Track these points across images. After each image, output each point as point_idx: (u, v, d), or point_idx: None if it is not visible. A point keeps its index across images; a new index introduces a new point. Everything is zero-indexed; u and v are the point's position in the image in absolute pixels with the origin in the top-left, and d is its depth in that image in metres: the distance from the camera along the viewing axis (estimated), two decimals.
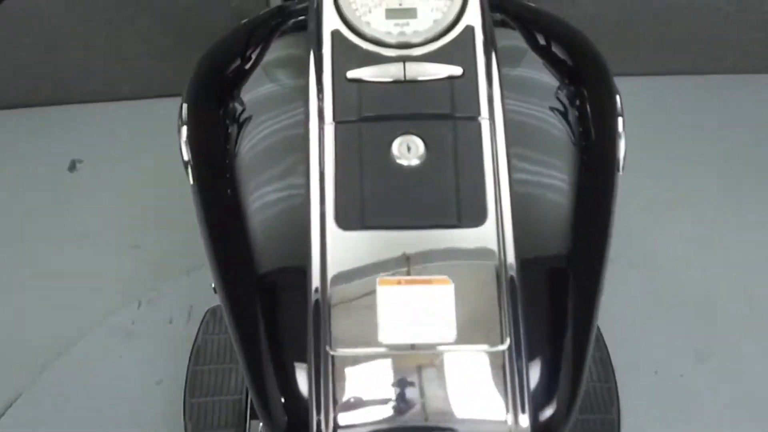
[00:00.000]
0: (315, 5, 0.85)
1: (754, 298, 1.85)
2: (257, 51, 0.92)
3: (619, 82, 0.89)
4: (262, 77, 0.90)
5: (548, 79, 0.90)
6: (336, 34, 0.80)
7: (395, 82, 0.78)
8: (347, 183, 0.74)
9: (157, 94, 2.11)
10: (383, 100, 0.77)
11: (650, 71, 2.22)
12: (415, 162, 0.74)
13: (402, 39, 0.80)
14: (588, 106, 0.87)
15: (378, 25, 0.81)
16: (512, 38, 0.93)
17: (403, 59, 0.79)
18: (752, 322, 1.81)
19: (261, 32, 0.95)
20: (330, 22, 0.81)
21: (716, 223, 1.98)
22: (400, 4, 0.82)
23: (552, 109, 0.86)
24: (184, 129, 0.85)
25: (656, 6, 2.08)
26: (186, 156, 0.84)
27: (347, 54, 0.79)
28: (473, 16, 0.81)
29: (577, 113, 0.86)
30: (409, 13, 0.82)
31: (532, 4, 0.98)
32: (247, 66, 0.91)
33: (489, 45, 0.81)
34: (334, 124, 0.76)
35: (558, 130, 0.84)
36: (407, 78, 0.78)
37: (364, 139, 0.76)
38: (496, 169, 0.75)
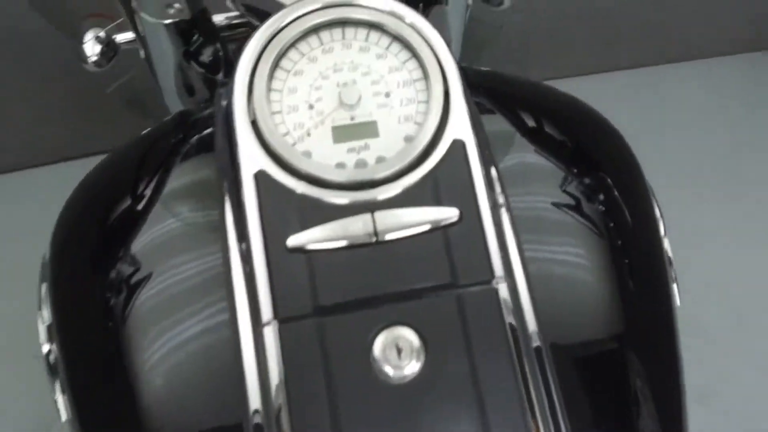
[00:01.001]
0: (223, 126, 0.58)
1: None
2: (151, 185, 0.65)
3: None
4: (162, 229, 0.62)
5: (559, 179, 0.65)
6: (262, 178, 0.53)
7: (362, 245, 0.51)
8: (308, 422, 0.47)
9: None
10: (348, 276, 0.50)
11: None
12: (410, 371, 0.48)
13: (362, 174, 0.53)
14: (617, 196, 0.63)
15: (323, 154, 0.54)
16: (497, 124, 0.68)
17: (369, 207, 0.52)
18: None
19: (155, 156, 0.67)
20: (250, 156, 0.54)
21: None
22: (353, 118, 0.55)
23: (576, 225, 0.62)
24: (45, 313, 0.58)
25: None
26: (51, 358, 0.57)
27: (283, 208, 0.52)
28: (460, 123, 0.55)
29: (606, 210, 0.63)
30: (367, 130, 0.55)
31: (506, 72, 0.72)
32: (139, 207, 0.64)
33: (488, 165, 0.55)
34: (276, 323, 0.50)
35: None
36: (379, 237, 0.51)
37: (328, 345, 0.49)
38: (532, 365, 0.49)
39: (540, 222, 0.65)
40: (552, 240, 0.64)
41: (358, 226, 0.51)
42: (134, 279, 0.61)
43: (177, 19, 0.74)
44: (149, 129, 0.69)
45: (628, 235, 0.66)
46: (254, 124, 0.54)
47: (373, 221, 0.51)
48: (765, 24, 2.37)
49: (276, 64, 0.56)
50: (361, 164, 0.53)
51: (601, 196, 0.67)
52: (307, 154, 0.54)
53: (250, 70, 0.55)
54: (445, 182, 0.53)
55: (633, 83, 2.35)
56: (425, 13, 0.81)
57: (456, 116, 0.55)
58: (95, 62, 0.92)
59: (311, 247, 0.50)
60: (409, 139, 0.54)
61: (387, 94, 0.56)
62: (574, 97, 0.72)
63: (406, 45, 0.57)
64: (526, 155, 0.69)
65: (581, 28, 2.17)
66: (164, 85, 0.86)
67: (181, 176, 0.65)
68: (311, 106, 0.55)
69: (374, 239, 0.51)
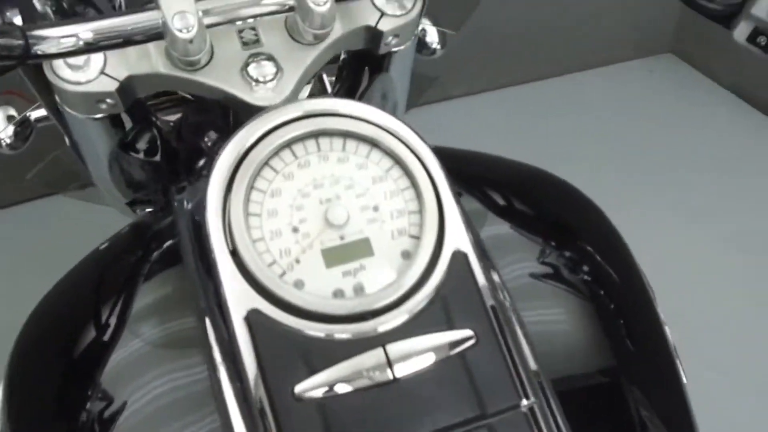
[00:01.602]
0: (192, 248, 0.52)
1: None
2: (115, 311, 0.59)
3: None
4: (134, 365, 0.56)
5: (543, 254, 0.64)
6: (255, 318, 0.48)
7: (378, 385, 0.47)
8: None
9: None
10: (367, 423, 0.46)
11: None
12: None
13: (364, 304, 0.49)
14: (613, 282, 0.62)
15: (317, 282, 0.49)
16: (471, 205, 0.65)
17: (379, 340, 0.48)
18: None
19: (114, 277, 0.60)
20: (237, 294, 0.48)
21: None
22: (343, 238, 0.51)
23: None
24: None
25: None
26: None
27: (284, 351, 0.47)
28: (457, 233, 0.52)
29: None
30: (360, 249, 0.51)
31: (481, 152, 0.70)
32: (105, 336, 0.58)
33: (489, 272, 0.52)
34: None
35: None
36: (395, 374, 0.47)
37: None
38: None
39: (530, 296, 0.63)
40: (546, 312, 0.63)
41: (370, 363, 0.47)
42: (105, 417, 0.55)
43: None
44: (103, 245, 0.63)
45: (622, 302, 0.66)
46: (235, 254, 0.49)
47: (387, 356, 0.47)
48: (650, 30, 2.47)
49: (251, 186, 0.51)
50: (359, 289, 0.49)
51: (588, 267, 0.66)
52: (300, 284, 0.49)
53: (222, 195, 0.50)
54: (454, 301, 0.49)
55: (543, 93, 2.40)
56: (371, 79, 0.78)
57: (452, 226, 0.51)
58: (9, 145, 0.84)
59: (322, 393, 0.46)
60: (406, 255, 0.51)
61: (375, 208, 0.52)
62: (542, 170, 0.71)
63: (387, 152, 0.53)
64: (505, 233, 0.67)
65: (494, 46, 2.19)
66: (96, 174, 0.79)
67: (147, 304, 0.59)
68: (296, 229, 0.50)
69: (391, 377, 0.46)
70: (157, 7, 0.56)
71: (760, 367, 1.71)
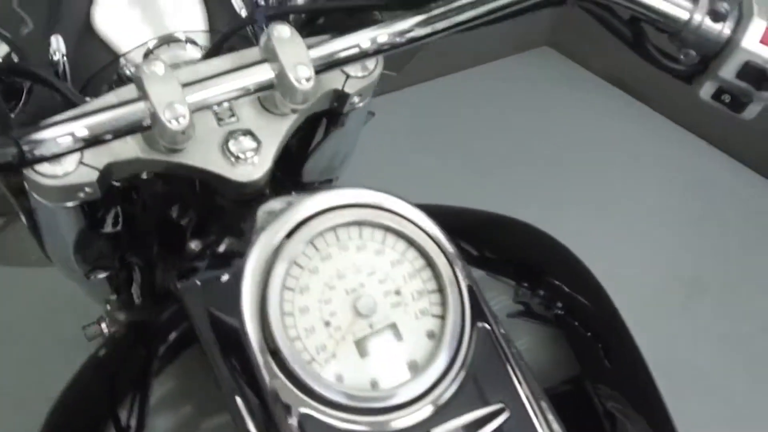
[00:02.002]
0: (215, 351, 0.52)
1: None
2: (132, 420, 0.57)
3: None
4: None
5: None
6: (307, 423, 0.48)
7: None
8: None
9: None
10: None
11: None
12: None
13: (404, 394, 0.50)
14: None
15: (355, 375, 0.51)
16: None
17: (425, 426, 0.49)
18: None
19: (122, 386, 0.59)
20: (280, 393, 0.49)
21: None
22: (372, 326, 0.52)
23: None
24: None
25: None
26: None
27: None
28: (478, 308, 0.54)
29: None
30: (390, 335, 0.52)
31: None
32: None
33: (509, 340, 0.54)
34: None
35: None
36: None
37: None
38: None
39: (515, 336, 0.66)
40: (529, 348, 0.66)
41: None
42: None
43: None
44: (99, 350, 0.60)
45: (598, 328, 0.71)
46: (275, 353, 0.49)
47: None
48: (527, 25, 2.57)
49: (284, 285, 0.51)
50: (394, 377, 0.50)
51: (561, 301, 0.71)
52: (339, 378, 0.50)
53: (259, 297, 0.50)
54: (484, 377, 0.52)
55: (425, 94, 2.46)
56: (327, 133, 0.78)
57: (473, 302, 0.53)
58: None
59: None
60: (431, 335, 0.52)
61: (397, 292, 0.53)
62: (500, 215, 0.74)
63: (400, 235, 0.54)
64: (482, 280, 0.70)
65: None
66: (56, 252, 0.76)
67: (165, 404, 0.57)
68: (328, 323, 0.51)
69: None
70: (144, 98, 0.55)
71: (682, 357, 1.84)
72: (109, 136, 0.55)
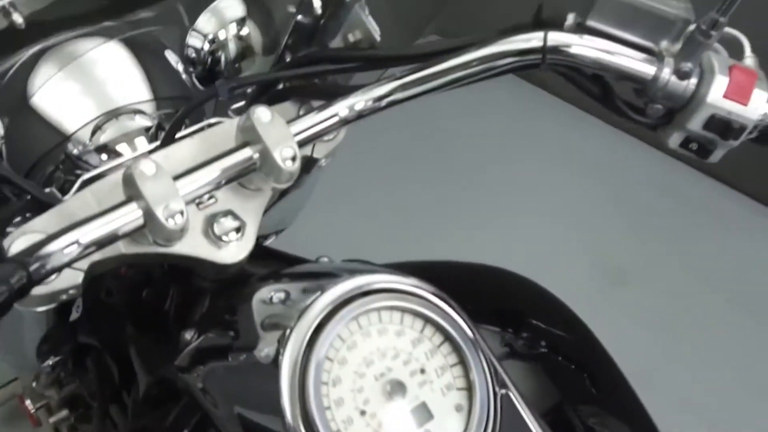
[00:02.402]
0: None
1: None
2: None
3: None
4: None
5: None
6: None
7: None
8: None
9: None
10: None
11: None
12: None
13: None
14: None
15: None
16: None
17: None
18: None
19: None
20: None
21: None
22: (404, 408, 0.55)
23: None
24: None
25: None
26: None
27: None
28: (499, 377, 0.58)
29: None
30: (422, 415, 0.55)
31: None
32: None
33: (530, 404, 0.58)
34: None
35: None
36: None
37: None
38: None
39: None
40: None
41: None
42: None
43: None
44: None
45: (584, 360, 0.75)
46: None
47: None
48: (413, 15, 2.55)
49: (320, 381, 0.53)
50: None
51: (547, 342, 0.75)
52: None
53: (298, 395, 0.52)
54: None
55: None
56: (285, 191, 0.79)
57: (494, 372, 0.56)
58: None
59: None
60: (459, 408, 0.55)
61: (422, 370, 0.56)
62: (485, 265, 0.78)
63: (417, 314, 0.57)
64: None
65: None
66: (9, 348, 0.75)
67: None
68: (363, 413, 0.53)
69: None
70: (138, 198, 0.55)
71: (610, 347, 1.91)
72: (107, 241, 0.55)
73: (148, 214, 0.55)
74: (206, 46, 0.83)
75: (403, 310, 0.57)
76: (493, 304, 0.77)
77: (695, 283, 2.10)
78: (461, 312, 0.57)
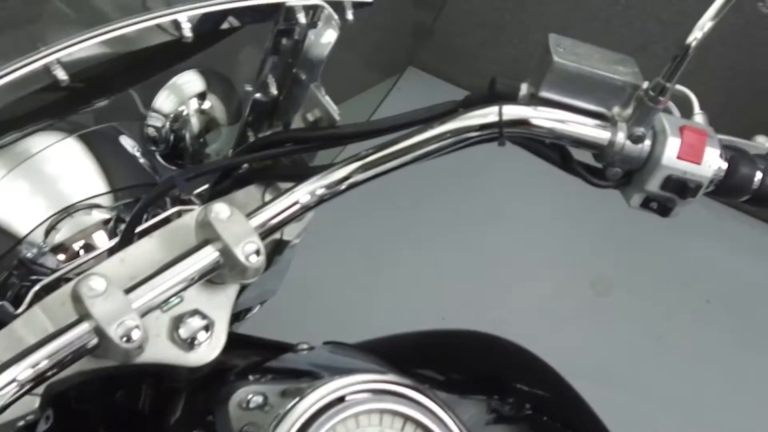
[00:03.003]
0: None
1: None
2: None
3: None
4: None
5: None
6: None
7: None
8: None
9: None
10: None
11: None
12: None
13: None
14: None
15: None
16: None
17: None
18: None
19: None
20: None
21: None
22: None
23: None
24: None
25: None
26: None
27: None
28: None
29: None
30: None
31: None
32: None
33: None
34: None
35: None
36: None
37: None
38: None
39: None
40: None
41: None
42: None
43: None
44: None
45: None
46: None
47: None
48: (390, 50, 2.61)
49: None
50: None
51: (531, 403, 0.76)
52: None
53: None
54: None
55: None
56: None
57: None
58: None
59: None
60: None
61: None
62: (487, 333, 0.78)
63: (396, 413, 0.56)
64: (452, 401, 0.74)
65: None
66: None
67: None
68: None
69: None
70: (88, 318, 0.52)
71: (594, 355, 1.94)
72: (55, 370, 0.52)
73: (101, 334, 0.52)
74: (167, 125, 0.82)
75: (382, 411, 0.56)
76: (479, 371, 0.77)
77: (675, 287, 2.15)
78: (443, 406, 0.57)
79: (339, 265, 2.00)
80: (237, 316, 0.90)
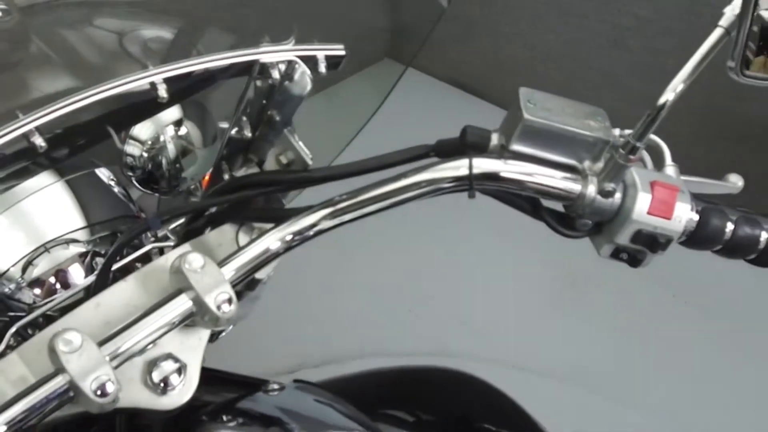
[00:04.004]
0: None
1: None
2: None
3: None
4: None
5: None
6: None
7: None
8: None
9: None
10: None
11: None
12: None
13: None
14: None
15: None
16: None
17: None
18: None
19: None
20: None
21: None
22: None
23: None
24: None
25: None
26: None
27: None
28: None
29: None
30: None
31: None
32: None
33: None
34: None
35: None
36: None
37: None
38: None
39: None
40: None
41: None
42: None
43: None
44: None
45: None
46: None
47: None
48: (366, 43, 2.60)
49: None
50: None
51: None
52: None
53: None
54: None
55: None
56: None
57: None
58: None
59: None
60: None
61: None
62: (455, 370, 0.79)
63: None
64: None
65: None
66: None
67: None
68: None
69: None
70: (62, 372, 0.53)
71: (575, 356, 1.96)
72: (36, 419, 0.53)
73: (76, 389, 0.53)
74: (144, 152, 0.83)
75: None
76: (448, 410, 0.78)
77: (643, 283, 2.18)
78: None
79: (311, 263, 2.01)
80: (210, 338, 0.91)
